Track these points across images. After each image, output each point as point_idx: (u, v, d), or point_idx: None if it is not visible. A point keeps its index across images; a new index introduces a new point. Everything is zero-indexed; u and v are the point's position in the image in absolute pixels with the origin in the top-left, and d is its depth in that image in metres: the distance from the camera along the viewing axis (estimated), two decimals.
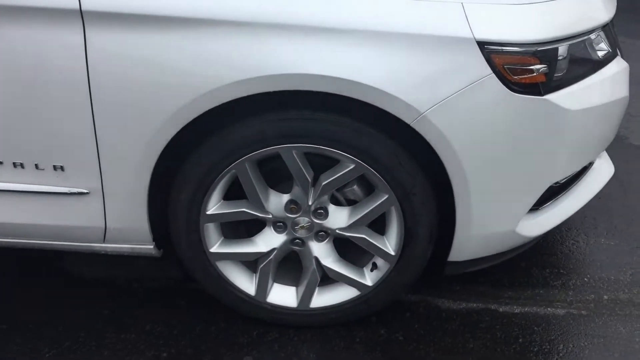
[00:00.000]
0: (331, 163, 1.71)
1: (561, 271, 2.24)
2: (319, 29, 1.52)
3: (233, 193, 1.78)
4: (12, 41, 1.56)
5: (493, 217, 1.75)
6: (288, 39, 1.52)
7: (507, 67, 1.56)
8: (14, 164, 1.71)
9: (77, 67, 1.56)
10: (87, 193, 1.73)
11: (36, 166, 1.70)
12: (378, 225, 1.81)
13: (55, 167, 1.70)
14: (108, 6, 1.52)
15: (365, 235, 1.80)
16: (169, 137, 1.62)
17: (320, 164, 1.73)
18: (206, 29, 1.52)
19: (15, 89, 1.60)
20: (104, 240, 1.82)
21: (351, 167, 1.68)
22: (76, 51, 1.55)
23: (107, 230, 1.79)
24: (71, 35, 1.54)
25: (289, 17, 1.52)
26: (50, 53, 1.56)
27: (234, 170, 1.70)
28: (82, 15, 1.52)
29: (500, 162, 1.67)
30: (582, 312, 2.06)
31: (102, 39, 1.54)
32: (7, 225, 1.80)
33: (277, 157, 1.69)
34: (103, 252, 1.87)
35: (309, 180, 1.72)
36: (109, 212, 1.76)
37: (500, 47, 1.55)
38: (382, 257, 1.83)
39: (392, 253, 1.80)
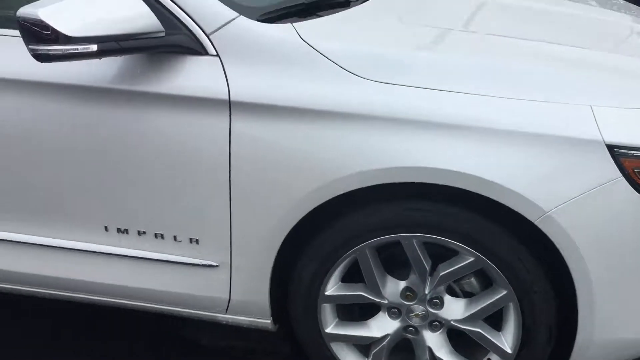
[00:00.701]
0: (450, 253, 1.74)
1: None
2: (448, 125, 1.60)
3: (350, 275, 1.84)
4: (163, 124, 1.73)
5: (619, 321, 1.68)
6: (415, 133, 1.61)
7: (638, 171, 1.55)
8: (155, 234, 1.86)
9: (220, 151, 1.72)
10: (216, 266, 1.85)
11: (174, 238, 1.85)
12: (495, 318, 1.80)
13: (191, 240, 1.84)
14: (254, 98, 1.68)
15: (481, 329, 1.79)
16: (298, 218, 1.72)
17: (439, 254, 1.76)
18: (341, 122, 1.64)
19: (162, 167, 1.77)
20: (226, 311, 1.92)
21: (470, 260, 1.70)
22: (221, 136, 1.71)
23: (230, 302, 1.89)
24: (218, 122, 1.70)
25: (417, 113, 1.61)
26: (197, 137, 1.73)
27: (354, 255, 1.77)
28: (230, 105, 1.69)
29: (628, 266, 1.62)
30: None
31: (245, 126, 1.69)
32: (143, 291, 1.95)
33: (396, 243, 1.75)
34: (224, 322, 1.96)
35: (427, 269, 1.75)
36: (234, 285, 1.87)
37: (630, 151, 1.55)
38: (497, 354, 1.79)
39: (509, 351, 1.76)
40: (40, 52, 1.51)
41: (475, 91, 1.62)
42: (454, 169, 1.58)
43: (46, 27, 1.49)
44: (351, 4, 2.00)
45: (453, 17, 2.10)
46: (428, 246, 1.74)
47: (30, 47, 1.52)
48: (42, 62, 1.54)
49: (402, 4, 2.13)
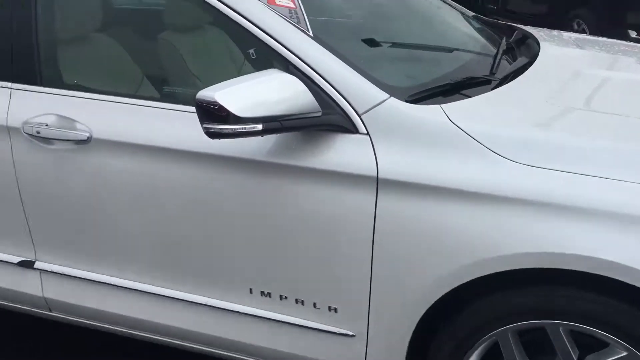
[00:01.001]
0: (599, 345, 1.67)
1: None
2: (601, 213, 1.56)
3: (490, 357, 1.81)
4: (313, 197, 1.81)
5: None
6: (566, 219, 1.59)
7: None
8: (296, 300, 1.94)
9: (365, 225, 1.77)
10: (353, 335, 1.89)
11: (314, 305, 1.91)
12: None
13: (330, 308, 1.90)
14: (402, 176, 1.73)
15: None
16: (439, 295, 1.73)
17: (587, 344, 1.69)
18: (489, 203, 1.65)
19: (309, 236, 1.85)
20: None
21: (622, 354, 1.62)
22: (367, 211, 1.76)
23: None
24: (365, 197, 1.76)
25: (568, 199, 1.60)
26: (345, 210, 1.80)
27: (495, 337, 1.75)
28: (377, 181, 1.76)
29: None
30: None
31: (391, 203, 1.74)
32: (279, 353, 2.02)
33: (539, 328, 1.70)
34: None
35: (574, 359, 1.69)
36: (370, 356, 1.89)
37: None
38: None
39: None
40: (213, 130, 1.66)
41: (629, 178, 1.58)
42: (611, 259, 1.53)
43: (219, 107, 1.64)
44: (492, 82, 2.03)
45: (599, 97, 2.07)
46: (576, 335, 1.68)
47: (205, 125, 1.67)
48: (213, 138, 1.69)
49: (547, 83, 2.13)
